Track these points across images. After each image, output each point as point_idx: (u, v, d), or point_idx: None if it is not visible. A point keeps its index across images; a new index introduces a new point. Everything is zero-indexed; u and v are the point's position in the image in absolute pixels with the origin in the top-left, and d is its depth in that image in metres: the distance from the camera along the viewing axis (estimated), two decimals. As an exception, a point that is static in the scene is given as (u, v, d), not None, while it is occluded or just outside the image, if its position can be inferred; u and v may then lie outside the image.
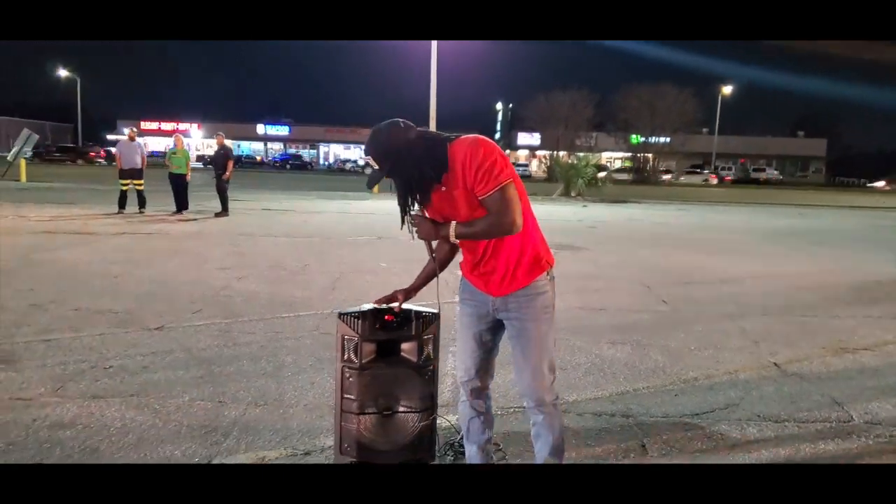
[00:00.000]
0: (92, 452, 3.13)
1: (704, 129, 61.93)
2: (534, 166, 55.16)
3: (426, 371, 3.03)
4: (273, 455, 3.23)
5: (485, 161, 2.34)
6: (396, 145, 2.39)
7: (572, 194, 25.69)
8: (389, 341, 2.99)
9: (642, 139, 57.74)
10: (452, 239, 2.48)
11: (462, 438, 3.01)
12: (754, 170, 63.42)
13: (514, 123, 70.65)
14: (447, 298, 2.99)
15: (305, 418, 3.61)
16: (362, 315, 2.95)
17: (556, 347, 2.70)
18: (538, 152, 60.51)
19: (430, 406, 3.06)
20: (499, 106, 78.02)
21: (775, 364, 4.70)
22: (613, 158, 59.49)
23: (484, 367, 2.76)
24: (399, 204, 2.50)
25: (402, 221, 2.53)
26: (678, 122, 55.41)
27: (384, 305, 2.88)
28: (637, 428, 3.55)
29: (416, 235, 2.53)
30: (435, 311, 3.03)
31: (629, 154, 59.23)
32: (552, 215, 17.48)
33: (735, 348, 5.08)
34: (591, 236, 12.90)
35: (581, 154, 29.41)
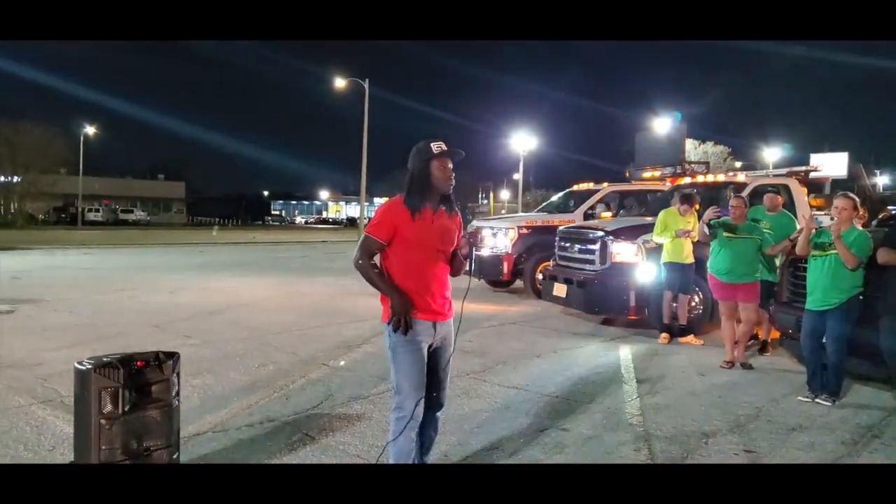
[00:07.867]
0: None
1: (63, 170, 58.77)
2: None
3: (176, 408, 3.34)
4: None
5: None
6: None
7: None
8: (146, 384, 3.19)
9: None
10: None
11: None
12: (122, 211, 63.81)
13: None
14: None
15: None
16: (120, 364, 3.10)
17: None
18: None
19: (177, 441, 3.38)
20: None
21: (324, 364, 6.21)
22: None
23: None
24: None
25: None
26: (45, 163, 51.06)
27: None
28: (289, 425, 4.50)
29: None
30: (176, 351, 3.38)
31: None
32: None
33: (286, 360, 6.35)
34: (36, 288, 11.58)
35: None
